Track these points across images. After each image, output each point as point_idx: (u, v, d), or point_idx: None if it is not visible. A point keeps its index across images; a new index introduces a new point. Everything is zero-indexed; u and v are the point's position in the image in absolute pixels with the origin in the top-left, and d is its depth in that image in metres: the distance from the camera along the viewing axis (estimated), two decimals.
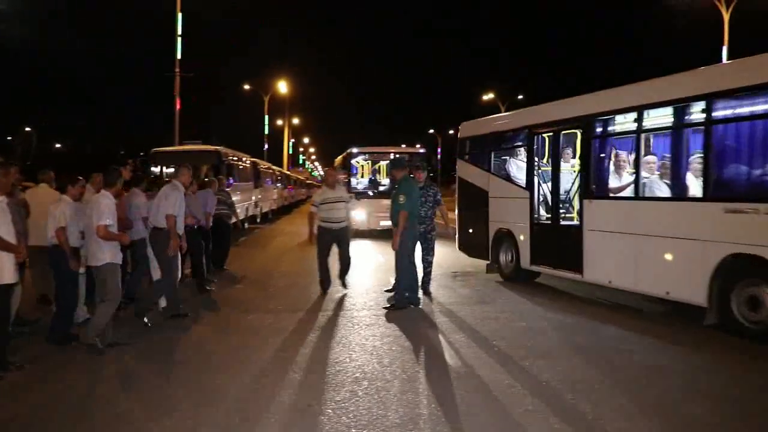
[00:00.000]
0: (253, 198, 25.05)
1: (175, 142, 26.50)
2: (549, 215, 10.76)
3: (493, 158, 12.35)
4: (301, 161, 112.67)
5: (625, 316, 8.67)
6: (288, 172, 52.98)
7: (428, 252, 10.29)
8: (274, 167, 38.47)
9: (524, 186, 11.09)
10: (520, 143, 11.47)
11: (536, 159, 11.00)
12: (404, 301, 9.14)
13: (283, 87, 55.00)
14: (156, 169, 19.45)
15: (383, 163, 22.53)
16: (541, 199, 10.97)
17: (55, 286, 7.42)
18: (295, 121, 76.37)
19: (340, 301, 9.68)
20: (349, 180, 20.60)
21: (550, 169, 10.88)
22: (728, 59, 35.01)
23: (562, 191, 10.63)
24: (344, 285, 10.64)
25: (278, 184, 36.55)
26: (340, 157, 24.52)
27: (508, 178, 11.74)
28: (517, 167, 11.53)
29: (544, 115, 11.00)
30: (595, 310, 9.06)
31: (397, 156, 18.21)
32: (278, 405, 5.28)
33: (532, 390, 5.60)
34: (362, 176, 23.03)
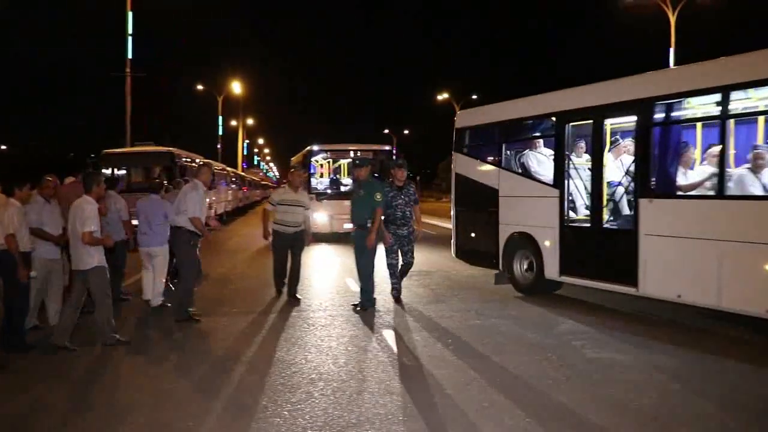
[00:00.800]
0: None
1: (126, 144, 26.04)
2: (587, 217, 9.23)
3: (504, 151, 10.76)
4: (256, 162, 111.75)
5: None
6: (243, 173, 52.46)
7: (411, 254, 9.62)
8: (228, 168, 38.07)
9: (551, 183, 9.57)
10: (545, 133, 10.16)
11: (568, 152, 9.46)
12: (371, 302, 9.09)
13: (237, 87, 54.48)
14: (107, 171, 19.06)
15: (345, 162, 21.61)
16: (575, 198, 9.51)
17: (5, 292, 7.17)
18: (250, 121, 75.67)
19: (296, 303, 9.62)
20: (309, 180, 18.93)
21: (588, 163, 9.38)
22: (674, 60, 36.01)
23: (606, 189, 8.94)
24: (294, 297, 9.86)
25: (233, 186, 36.18)
26: (299, 155, 23.05)
27: (527, 173, 10.22)
28: (539, 161, 10.14)
29: (581, 99, 9.39)
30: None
31: (360, 155, 18.04)
32: (233, 407, 5.24)
33: (491, 385, 5.68)
34: (322, 176, 22.11)
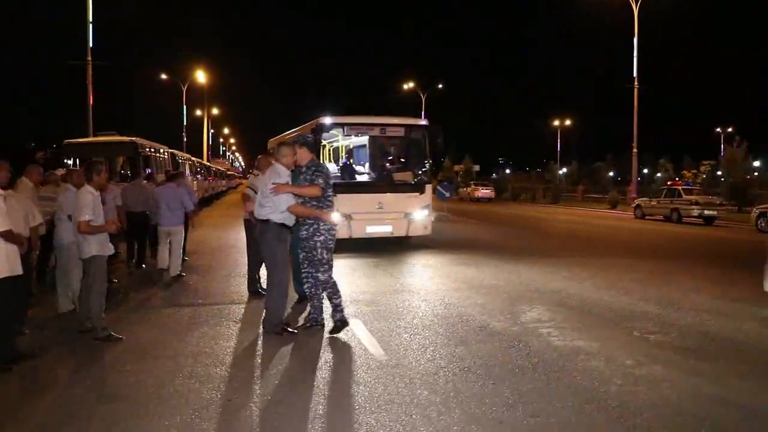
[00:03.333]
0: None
1: (89, 134, 25.56)
2: None
3: None
4: (221, 152, 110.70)
5: None
6: (208, 163, 51.95)
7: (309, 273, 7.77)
8: (193, 158, 37.62)
9: None
10: None
11: None
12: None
13: (201, 76, 53.87)
14: (69, 162, 18.71)
15: (369, 140, 16.77)
16: None
17: None
18: (215, 111, 74.97)
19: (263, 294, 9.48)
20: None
21: None
22: (638, 51, 36.46)
23: None
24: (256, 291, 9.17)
25: (198, 176, 35.78)
26: (302, 129, 16.30)
27: None
28: None
29: None
30: None
31: (387, 132, 15.13)
32: (200, 401, 5.15)
33: (457, 374, 5.72)
34: (334, 161, 17.88)
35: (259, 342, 6.92)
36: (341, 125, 14.73)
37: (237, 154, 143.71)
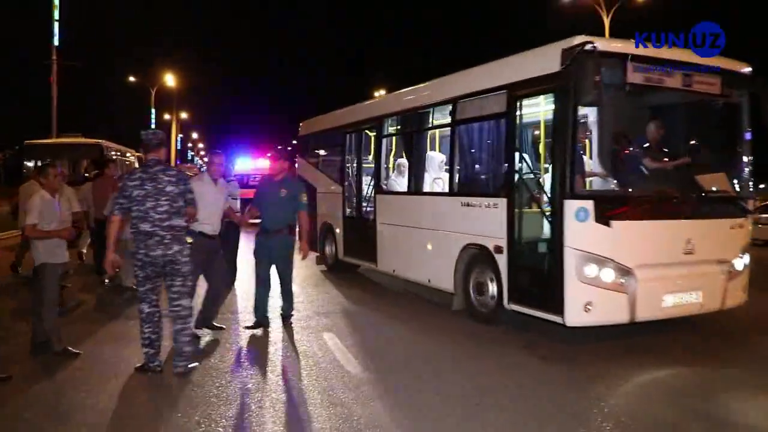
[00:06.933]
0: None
1: (53, 134, 24.83)
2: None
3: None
4: (190, 157, 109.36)
5: None
6: (176, 168, 51.11)
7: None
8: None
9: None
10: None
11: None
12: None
13: (170, 80, 53.06)
14: (30, 164, 18.06)
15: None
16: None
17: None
18: (184, 115, 73.88)
19: (228, 305, 9.10)
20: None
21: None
22: None
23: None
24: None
25: None
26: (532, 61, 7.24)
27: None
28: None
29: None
30: None
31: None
32: (161, 423, 4.78)
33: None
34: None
35: (227, 358, 6.53)
36: (617, 56, 6.46)
37: (206, 159, 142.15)
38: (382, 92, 60.01)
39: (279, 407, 5.11)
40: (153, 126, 53.42)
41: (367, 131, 11.13)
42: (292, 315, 8.08)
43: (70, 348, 6.49)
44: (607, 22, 36.29)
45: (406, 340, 7.29)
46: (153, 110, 53.99)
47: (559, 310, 6.44)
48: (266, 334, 7.50)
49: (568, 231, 6.37)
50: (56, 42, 26.11)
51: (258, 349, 6.91)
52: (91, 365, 6.20)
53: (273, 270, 7.85)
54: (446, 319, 8.24)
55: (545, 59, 6.70)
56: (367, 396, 5.35)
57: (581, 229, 6.32)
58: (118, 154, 20.89)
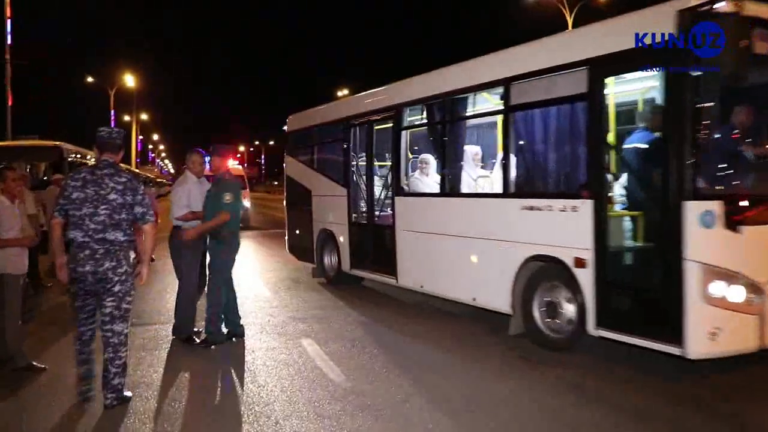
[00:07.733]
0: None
1: (8, 137, 23.98)
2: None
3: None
4: (150, 158, 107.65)
5: None
6: (137, 170, 50.13)
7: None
8: (121, 165, 36.09)
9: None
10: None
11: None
12: (222, 335, 7.12)
13: (130, 80, 52.04)
14: None
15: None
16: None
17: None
18: (144, 116, 72.64)
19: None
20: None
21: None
22: None
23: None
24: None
25: None
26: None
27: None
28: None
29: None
30: None
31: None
32: None
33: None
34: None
35: (205, 369, 6.21)
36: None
37: (166, 161, 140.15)
38: (345, 92, 60.02)
39: (263, 421, 4.82)
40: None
41: (380, 123, 9.54)
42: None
43: (35, 363, 6.09)
44: (570, 21, 36.62)
45: (389, 345, 7.05)
46: (113, 111, 52.78)
47: (677, 339, 5.19)
48: (241, 343, 7.16)
49: (689, 239, 5.15)
50: (9, 40, 25.21)
51: (236, 358, 6.58)
52: (58, 380, 5.81)
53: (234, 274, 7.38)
54: (428, 323, 8.03)
55: (648, 25, 5.33)
56: (355, 406, 5.10)
57: (707, 237, 5.13)
58: (79, 156, 20.20)
